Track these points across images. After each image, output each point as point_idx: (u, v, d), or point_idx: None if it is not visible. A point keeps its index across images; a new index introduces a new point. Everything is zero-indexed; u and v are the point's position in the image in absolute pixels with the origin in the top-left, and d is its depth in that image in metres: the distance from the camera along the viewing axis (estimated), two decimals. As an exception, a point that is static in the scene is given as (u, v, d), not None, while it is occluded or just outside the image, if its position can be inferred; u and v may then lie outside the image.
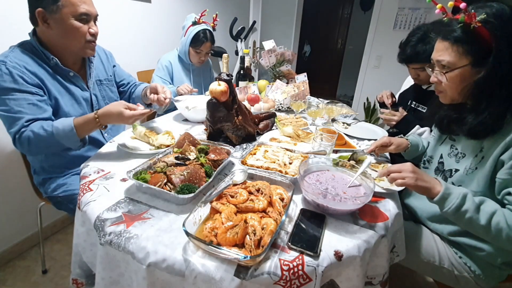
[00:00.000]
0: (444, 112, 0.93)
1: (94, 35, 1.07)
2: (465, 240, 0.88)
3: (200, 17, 1.71)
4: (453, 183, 0.88)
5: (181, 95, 1.63)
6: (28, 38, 1.04)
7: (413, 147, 1.08)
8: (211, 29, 1.76)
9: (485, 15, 0.71)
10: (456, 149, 0.91)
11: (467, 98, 0.82)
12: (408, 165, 0.78)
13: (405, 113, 1.37)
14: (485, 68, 0.74)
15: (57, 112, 1.05)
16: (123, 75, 1.42)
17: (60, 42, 1.03)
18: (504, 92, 0.75)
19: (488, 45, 0.72)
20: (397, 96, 1.63)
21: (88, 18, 1.03)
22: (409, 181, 0.75)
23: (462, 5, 0.72)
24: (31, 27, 1.04)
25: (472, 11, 0.72)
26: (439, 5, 0.79)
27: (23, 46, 1.02)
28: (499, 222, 0.71)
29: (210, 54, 1.90)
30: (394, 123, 1.37)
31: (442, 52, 0.80)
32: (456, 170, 0.88)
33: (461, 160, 0.88)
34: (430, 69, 0.87)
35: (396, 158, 1.22)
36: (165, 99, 1.20)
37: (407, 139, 1.08)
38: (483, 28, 0.71)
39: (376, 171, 0.97)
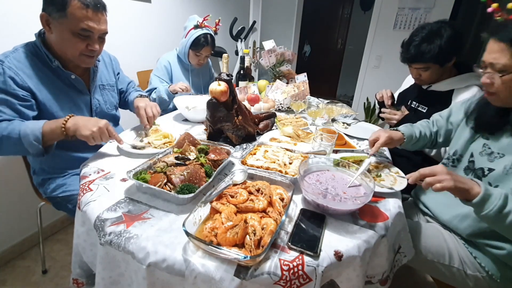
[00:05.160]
0: (494, 111, 0.88)
1: (93, 51, 1.03)
2: (485, 240, 0.86)
3: (203, 21, 1.70)
4: (489, 183, 0.85)
5: (176, 93, 1.59)
6: (33, 38, 1.04)
7: (408, 139, 1.06)
8: (213, 33, 1.75)
9: None
10: (489, 148, 0.88)
11: None
12: (440, 167, 0.74)
13: (406, 112, 1.37)
14: None
15: (52, 117, 1.04)
16: (124, 82, 1.42)
17: (58, 47, 1.02)
18: None
19: None
20: (396, 95, 1.62)
21: (90, 34, 0.99)
22: (448, 184, 0.70)
23: None
24: (35, 28, 1.04)
25: None
26: (494, 5, 0.75)
27: (26, 47, 1.01)
28: None
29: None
30: (395, 122, 1.37)
31: (498, 54, 0.76)
32: (490, 170, 0.85)
33: (499, 160, 0.85)
34: (481, 70, 0.83)
35: (396, 158, 1.22)
36: (150, 118, 1.20)
37: (402, 134, 1.05)
38: None
39: (375, 175, 0.96)
